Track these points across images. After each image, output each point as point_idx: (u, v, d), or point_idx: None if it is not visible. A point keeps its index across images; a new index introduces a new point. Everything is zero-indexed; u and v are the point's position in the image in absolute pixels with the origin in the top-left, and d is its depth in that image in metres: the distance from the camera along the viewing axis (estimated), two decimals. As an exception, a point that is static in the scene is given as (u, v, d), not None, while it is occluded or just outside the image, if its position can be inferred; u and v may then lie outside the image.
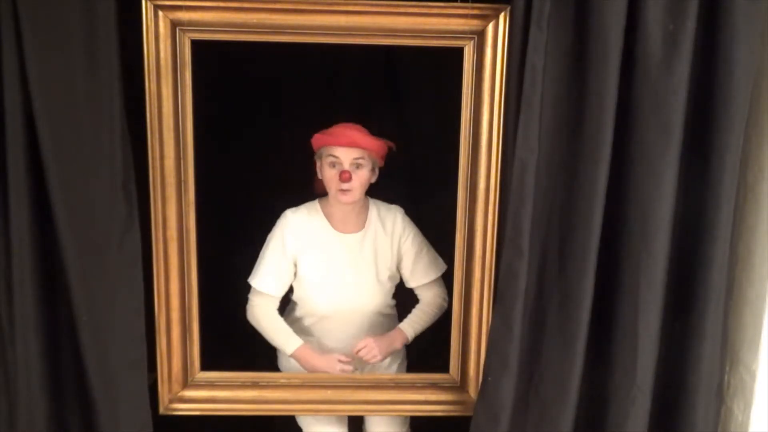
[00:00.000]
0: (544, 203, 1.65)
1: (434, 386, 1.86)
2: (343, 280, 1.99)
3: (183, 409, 1.84)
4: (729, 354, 1.78)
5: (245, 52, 1.68)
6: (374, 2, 1.58)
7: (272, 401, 1.88)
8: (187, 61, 1.63)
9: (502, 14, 1.60)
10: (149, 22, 1.58)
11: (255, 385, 1.87)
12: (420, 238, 2.04)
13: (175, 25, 1.60)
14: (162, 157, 1.66)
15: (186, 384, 1.83)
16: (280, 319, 2.02)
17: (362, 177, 1.89)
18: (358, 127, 1.92)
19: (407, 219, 2.06)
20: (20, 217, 1.59)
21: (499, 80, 1.64)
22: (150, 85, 1.62)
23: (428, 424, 1.91)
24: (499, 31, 1.62)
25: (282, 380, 1.89)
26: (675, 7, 1.52)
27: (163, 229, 1.71)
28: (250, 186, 2.32)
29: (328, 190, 1.94)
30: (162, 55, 1.61)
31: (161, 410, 1.82)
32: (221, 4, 1.58)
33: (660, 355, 1.73)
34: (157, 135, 1.64)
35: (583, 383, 1.75)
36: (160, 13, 1.58)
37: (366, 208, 2.02)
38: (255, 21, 1.58)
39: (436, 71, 1.75)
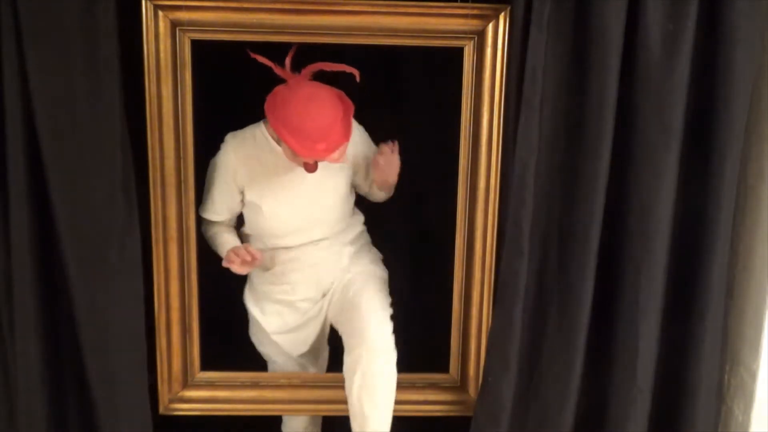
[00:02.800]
0: (544, 203, 1.65)
1: (434, 386, 1.86)
2: (301, 209, 1.79)
3: (183, 409, 1.84)
4: (729, 354, 1.78)
5: (245, 52, 1.68)
6: (374, 2, 1.58)
7: (272, 401, 1.88)
8: (187, 61, 1.63)
9: (502, 14, 1.60)
10: (149, 22, 1.58)
11: (255, 385, 1.87)
12: (366, 136, 1.85)
13: (175, 25, 1.60)
14: (162, 157, 1.66)
15: (186, 384, 1.83)
16: (227, 235, 1.84)
17: (339, 155, 1.62)
18: (327, 103, 1.59)
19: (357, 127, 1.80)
20: (20, 217, 1.59)
21: (499, 80, 1.64)
22: (150, 85, 1.61)
23: (428, 424, 1.90)
24: (499, 31, 1.62)
25: (282, 380, 1.89)
26: (675, 7, 1.53)
27: (163, 229, 1.71)
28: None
29: (286, 155, 1.69)
30: (162, 55, 1.61)
31: (161, 410, 1.82)
32: (221, 4, 1.58)
33: (660, 356, 1.73)
34: (157, 135, 1.64)
35: (583, 383, 1.75)
36: (160, 13, 1.58)
37: None
38: (255, 21, 1.58)
39: (436, 71, 1.74)
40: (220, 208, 1.80)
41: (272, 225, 1.80)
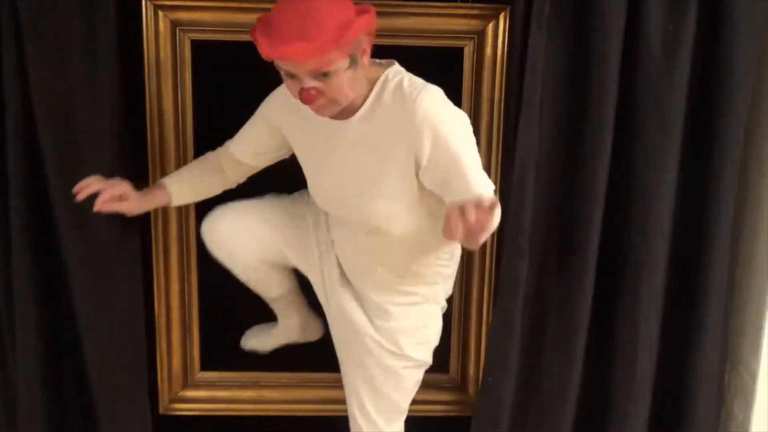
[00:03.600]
0: (544, 203, 1.65)
1: (434, 386, 1.85)
2: (328, 179, 1.46)
3: (183, 409, 1.84)
4: (729, 354, 1.78)
5: (245, 52, 1.68)
6: (374, 2, 1.58)
7: (272, 401, 1.88)
8: (187, 61, 1.63)
9: (502, 14, 1.60)
10: (149, 22, 1.58)
11: (255, 385, 1.87)
12: (464, 138, 1.33)
13: (175, 25, 1.60)
14: (162, 157, 1.66)
15: (186, 384, 1.83)
16: (201, 164, 1.57)
17: (336, 84, 1.26)
18: (309, 25, 1.21)
19: (433, 108, 1.30)
20: (20, 217, 1.59)
21: (499, 80, 1.64)
22: (150, 85, 1.62)
23: (428, 424, 1.90)
24: (499, 31, 1.62)
25: (282, 380, 1.89)
26: (675, 7, 1.53)
27: (163, 229, 1.71)
28: (250, 185, 2.31)
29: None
30: (162, 55, 1.61)
31: (161, 410, 1.82)
32: (221, 4, 1.58)
33: (660, 355, 1.73)
34: (157, 135, 1.64)
35: (583, 383, 1.75)
36: (160, 13, 1.58)
37: (371, 83, 1.36)
38: (255, 21, 1.58)
39: (436, 71, 1.74)
40: (242, 139, 1.54)
41: (313, 191, 1.51)
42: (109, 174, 1.58)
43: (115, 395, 1.71)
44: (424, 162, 1.31)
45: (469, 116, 1.68)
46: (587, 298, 1.67)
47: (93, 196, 1.44)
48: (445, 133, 1.29)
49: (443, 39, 1.63)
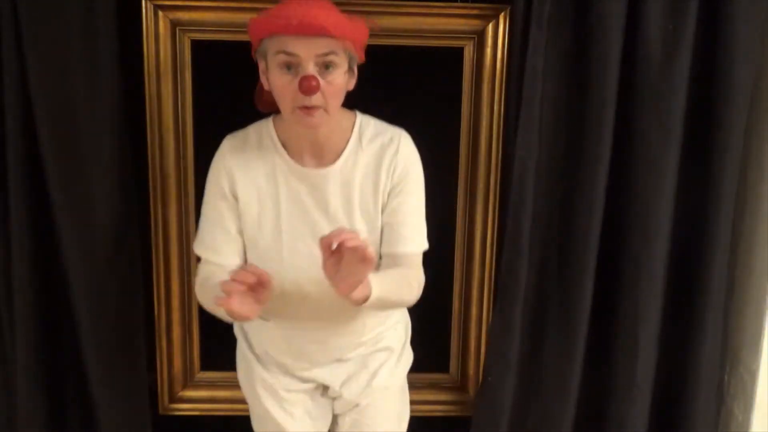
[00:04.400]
0: (544, 203, 1.65)
1: (434, 386, 1.85)
2: (301, 238, 1.31)
3: (183, 409, 1.84)
4: (729, 354, 1.78)
5: (245, 52, 1.68)
6: (374, 2, 1.58)
7: (272, 401, 1.88)
8: (187, 61, 1.63)
9: (502, 14, 1.60)
10: (149, 22, 1.58)
11: (255, 385, 1.87)
12: (421, 191, 1.37)
13: (175, 25, 1.60)
14: (162, 157, 1.66)
15: (186, 384, 1.83)
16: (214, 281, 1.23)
17: (336, 83, 1.21)
18: None
19: (413, 153, 1.35)
20: (20, 218, 1.59)
21: (499, 80, 1.64)
22: (150, 85, 1.61)
23: (428, 424, 1.90)
24: (499, 31, 1.62)
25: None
26: (675, 7, 1.53)
27: (163, 229, 1.71)
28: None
29: (281, 107, 1.24)
30: (162, 55, 1.61)
31: (161, 410, 1.82)
32: (221, 4, 1.58)
33: (660, 355, 1.73)
34: (157, 135, 1.64)
35: (583, 383, 1.75)
36: (160, 13, 1.58)
37: (347, 128, 1.33)
38: (255, 21, 1.58)
39: (436, 71, 1.74)
40: (216, 240, 1.34)
41: (267, 256, 1.32)
42: (109, 174, 1.59)
43: (115, 395, 1.71)
44: (386, 198, 1.34)
45: (469, 116, 1.70)
46: (587, 298, 1.67)
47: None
48: (413, 179, 1.35)
49: (443, 39, 1.63)
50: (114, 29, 1.52)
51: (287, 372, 1.46)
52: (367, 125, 1.35)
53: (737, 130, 1.59)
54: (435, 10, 1.60)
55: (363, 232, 1.31)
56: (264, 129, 1.36)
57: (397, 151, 1.32)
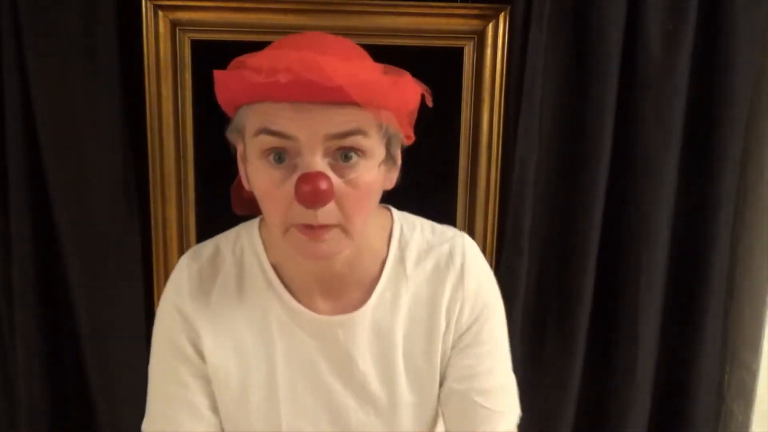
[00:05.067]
0: (544, 203, 1.65)
1: (434, 386, 1.86)
2: (309, 417, 0.86)
3: (183, 409, 1.84)
4: (729, 354, 1.78)
5: (245, 52, 1.68)
6: (374, 2, 1.58)
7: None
8: (187, 61, 1.63)
9: (502, 14, 1.60)
10: (149, 22, 1.58)
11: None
12: (504, 330, 0.94)
13: (174, 25, 1.60)
14: (162, 157, 1.66)
15: (186, 384, 1.83)
16: None
17: (363, 184, 0.75)
18: (332, 40, 0.79)
19: (483, 269, 0.94)
20: (20, 218, 1.59)
21: (499, 80, 1.64)
22: (150, 85, 1.61)
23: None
24: (499, 31, 1.62)
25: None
26: (675, 7, 1.53)
27: (163, 229, 1.71)
28: (250, 186, 2.31)
29: (268, 221, 0.80)
30: (162, 55, 1.60)
31: (161, 410, 1.82)
32: (221, 4, 1.58)
33: (660, 356, 1.73)
34: (157, 135, 1.64)
35: (583, 383, 1.75)
36: (160, 13, 1.58)
37: (380, 243, 0.89)
38: (255, 21, 1.58)
39: (436, 71, 1.74)
40: (178, 422, 0.88)
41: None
42: (109, 174, 1.59)
43: (115, 395, 1.71)
44: (450, 351, 0.86)
45: (469, 116, 1.69)
46: (587, 298, 1.67)
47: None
48: (493, 316, 0.89)
49: (443, 39, 1.63)
50: (114, 29, 1.52)
51: None
52: (411, 233, 0.88)
53: (737, 130, 1.59)
54: (435, 10, 1.60)
55: (413, 407, 0.85)
56: (247, 246, 0.87)
57: (462, 275, 0.85)
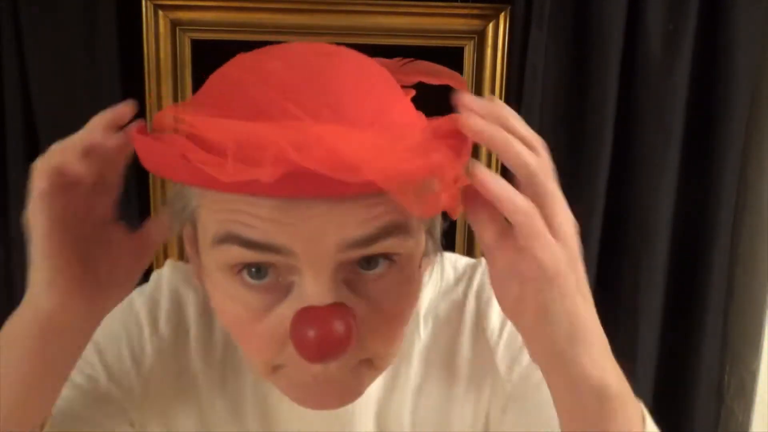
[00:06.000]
0: (544, 203, 1.65)
1: (434, 386, 1.85)
2: None
3: (183, 409, 1.84)
4: (729, 354, 1.78)
5: (245, 52, 1.68)
6: (374, 2, 1.58)
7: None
8: (187, 61, 1.63)
9: (502, 14, 1.60)
10: (149, 22, 1.58)
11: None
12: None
13: (175, 24, 1.60)
14: (162, 157, 1.66)
15: (186, 384, 1.83)
16: None
17: (392, 303, 0.48)
18: (339, 73, 0.48)
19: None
20: (20, 218, 1.58)
21: (499, 80, 1.64)
22: (150, 85, 1.61)
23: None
24: (499, 31, 1.61)
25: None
26: (675, 7, 1.52)
27: (163, 229, 1.71)
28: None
29: (244, 352, 0.52)
30: (162, 55, 1.60)
31: (161, 410, 1.82)
32: (221, 4, 1.58)
33: (660, 355, 1.73)
34: (157, 135, 1.64)
35: (583, 383, 1.74)
36: (160, 13, 1.58)
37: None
38: (255, 21, 1.58)
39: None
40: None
41: None
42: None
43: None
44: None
45: (469, 116, 1.69)
46: (587, 298, 1.66)
47: None
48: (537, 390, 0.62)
49: (443, 39, 1.63)
50: (114, 29, 1.52)
51: None
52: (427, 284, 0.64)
53: (737, 130, 1.59)
54: (435, 10, 1.60)
55: None
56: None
57: (493, 361, 0.62)
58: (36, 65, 1.51)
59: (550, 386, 0.49)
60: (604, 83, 1.55)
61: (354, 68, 0.51)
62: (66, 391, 0.52)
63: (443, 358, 0.62)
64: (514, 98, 1.60)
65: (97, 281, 0.48)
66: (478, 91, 1.66)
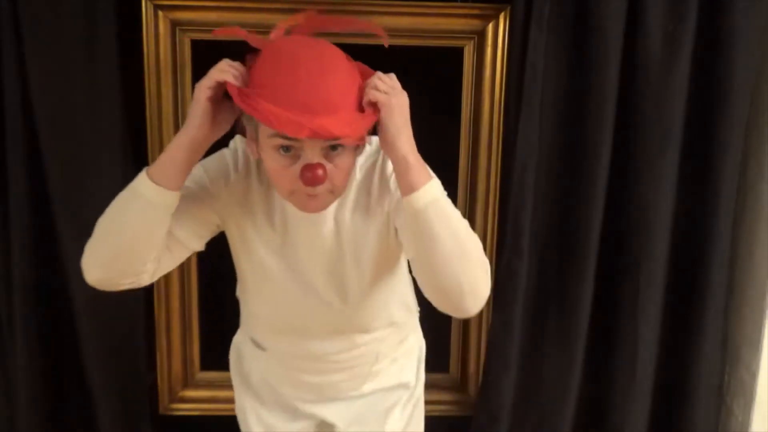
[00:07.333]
0: (545, 203, 1.65)
1: (434, 386, 1.85)
2: (293, 282, 1.15)
3: (183, 409, 1.84)
4: (729, 354, 1.78)
5: (245, 52, 1.68)
6: (374, 2, 1.58)
7: (272, 401, 1.88)
8: (187, 61, 1.63)
9: (502, 14, 1.60)
10: (149, 22, 1.58)
11: (255, 385, 1.87)
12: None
13: (175, 25, 1.60)
14: (162, 157, 1.66)
15: (186, 384, 1.83)
16: None
17: (345, 165, 1.01)
18: (339, 63, 1.00)
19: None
20: (20, 218, 1.59)
21: (499, 80, 1.64)
22: (150, 85, 1.61)
23: (428, 424, 1.90)
24: (499, 31, 1.62)
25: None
26: (675, 7, 1.53)
27: (163, 229, 1.71)
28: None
29: (275, 185, 1.06)
30: (162, 55, 1.60)
31: (161, 410, 1.82)
32: (221, 4, 1.58)
33: (660, 355, 1.73)
34: (157, 135, 1.64)
35: (583, 383, 1.75)
36: (160, 13, 1.58)
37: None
38: (255, 21, 1.58)
39: (436, 71, 1.74)
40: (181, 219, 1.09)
41: (256, 299, 1.26)
42: (109, 173, 1.59)
43: (114, 395, 1.71)
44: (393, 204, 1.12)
45: (470, 116, 1.69)
46: (587, 297, 1.67)
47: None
48: None
49: (443, 39, 1.63)
50: (114, 29, 1.52)
51: (286, 407, 1.31)
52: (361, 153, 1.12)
53: (737, 130, 1.59)
54: (435, 10, 1.60)
55: (379, 266, 1.17)
56: (250, 162, 1.13)
57: (386, 178, 1.12)
58: (36, 66, 1.51)
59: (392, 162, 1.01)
60: (604, 83, 1.55)
61: (335, 65, 0.99)
62: (187, 182, 1.05)
63: (366, 188, 1.13)
64: (514, 98, 1.60)
65: (215, 126, 1.00)
66: (478, 91, 1.66)
